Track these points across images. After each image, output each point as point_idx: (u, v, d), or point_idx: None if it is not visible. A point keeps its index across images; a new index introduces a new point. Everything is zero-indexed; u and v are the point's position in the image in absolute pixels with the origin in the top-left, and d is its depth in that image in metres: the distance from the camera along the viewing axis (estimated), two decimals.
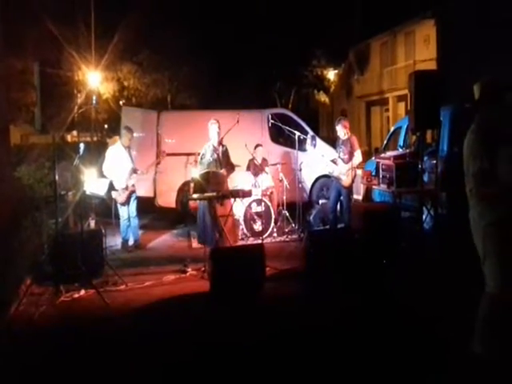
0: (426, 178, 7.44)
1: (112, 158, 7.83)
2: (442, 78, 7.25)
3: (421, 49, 22.81)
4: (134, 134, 8.52)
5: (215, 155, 7.10)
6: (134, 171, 7.88)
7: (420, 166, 6.99)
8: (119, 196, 7.70)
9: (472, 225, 3.68)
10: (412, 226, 7.36)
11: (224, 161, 7.16)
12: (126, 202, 7.78)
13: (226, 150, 7.25)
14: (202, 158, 7.10)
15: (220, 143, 7.18)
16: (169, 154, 8.47)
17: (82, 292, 5.63)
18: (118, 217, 7.92)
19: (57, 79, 18.89)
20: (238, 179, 8.61)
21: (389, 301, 5.15)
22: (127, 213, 7.81)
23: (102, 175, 7.46)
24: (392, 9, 23.04)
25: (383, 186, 7.52)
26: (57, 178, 5.77)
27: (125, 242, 7.89)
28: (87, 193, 6.43)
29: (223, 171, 7.03)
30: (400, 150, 8.67)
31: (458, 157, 7.53)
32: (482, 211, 3.56)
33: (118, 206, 7.80)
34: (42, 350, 4.21)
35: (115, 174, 7.66)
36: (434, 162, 7.38)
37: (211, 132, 7.15)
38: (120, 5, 19.70)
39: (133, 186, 7.87)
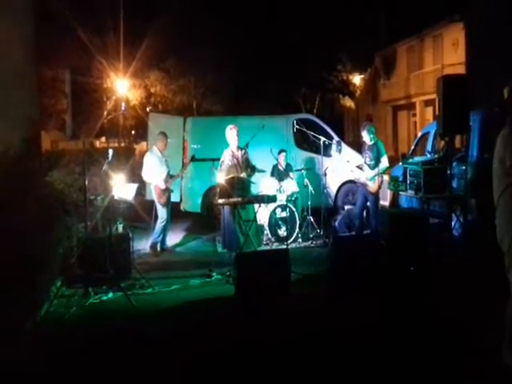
0: (454, 184, 7.33)
1: (150, 163, 7.98)
2: (471, 82, 7.15)
3: (449, 53, 22.52)
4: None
5: (235, 160, 7.15)
6: (171, 176, 8.05)
7: (449, 172, 6.90)
8: (160, 198, 7.85)
9: (499, 231, 3.59)
10: (440, 232, 7.26)
11: (244, 165, 7.21)
12: (166, 204, 7.92)
13: (245, 153, 7.30)
14: (221, 164, 7.16)
15: (238, 147, 7.24)
16: (194, 160, 8.56)
17: (110, 294, 5.72)
18: (154, 219, 8.04)
19: (87, 86, 19.31)
20: (263, 184, 8.64)
21: (417, 308, 5.08)
22: (166, 214, 7.94)
23: (131, 180, 7.59)
24: (418, 12, 22.84)
25: (411, 192, 7.43)
26: (86, 183, 5.90)
27: (155, 244, 7.95)
28: (115, 197, 6.55)
29: (243, 175, 7.08)
30: (428, 155, 8.56)
31: (488, 163, 7.44)
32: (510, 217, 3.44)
33: (158, 207, 7.92)
34: (71, 351, 4.29)
35: (155, 177, 7.86)
36: (464, 167, 7.27)
37: (229, 137, 7.23)
38: (148, 13, 20.02)
39: (169, 189, 8.04)
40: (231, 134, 7.23)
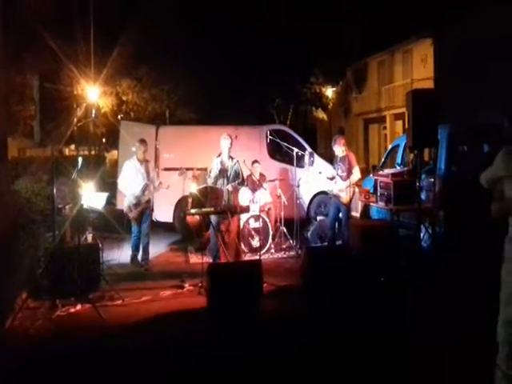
0: (423, 196, 7.47)
1: (126, 172, 7.63)
2: (439, 96, 7.31)
3: (418, 67, 23.06)
4: (132, 148, 8.09)
5: (223, 170, 7.14)
6: (153, 184, 7.64)
7: (418, 184, 7.01)
8: (130, 212, 7.49)
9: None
10: (410, 243, 7.37)
11: (233, 175, 7.18)
12: (138, 219, 7.53)
13: (236, 164, 7.27)
14: (210, 172, 7.13)
15: (230, 157, 7.22)
16: (166, 169, 8.48)
17: (79, 306, 5.58)
18: (123, 232, 7.81)
19: (56, 93, 18.96)
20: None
21: (386, 318, 5.12)
22: (137, 229, 7.57)
23: (101, 189, 7.42)
24: (389, 28, 23.35)
25: (381, 204, 7.53)
26: (54, 191, 5.76)
27: (134, 256, 7.68)
28: (85, 206, 6.42)
29: (229, 187, 7.06)
30: (398, 167, 8.71)
31: (455, 175, 7.64)
32: None
33: (131, 221, 7.58)
34: (36, 365, 4.16)
35: (129, 189, 7.53)
36: (432, 180, 7.42)
37: (222, 146, 7.20)
38: (120, 21, 19.86)
39: (147, 202, 7.61)
40: (225, 143, 7.20)
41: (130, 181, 7.56)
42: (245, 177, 8.88)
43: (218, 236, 6.91)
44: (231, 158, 7.25)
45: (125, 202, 7.63)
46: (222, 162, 7.16)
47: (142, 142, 7.73)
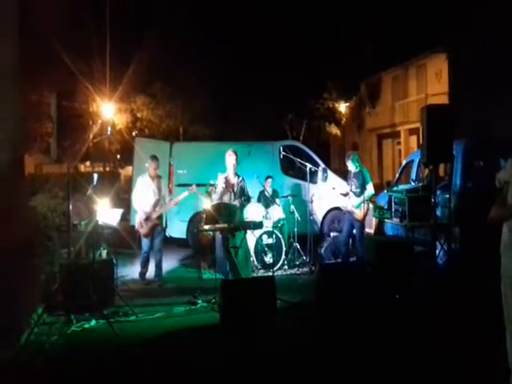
0: (438, 213, 7.40)
1: (139, 187, 7.67)
2: (454, 112, 7.29)
3: (433, 83, 23.00)
4: (146, 165, 8.10)
5: (229, 186, 7.15)
6: (164, 200, 7.65)
7: (433, 200, 6.96)
8: (141, 228, 7.51)
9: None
10: (425, 260, 7.29)
11: (238, 192, 7.19)
12: (149, 235, 7.54)
13: (242, 181, 7.28)
14: (216, 188, 7.14)
15: (236, 174, 7.23)
16: (180, 185, 8.51)
17: (93, 322, 5.60)
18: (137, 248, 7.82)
19: (72, 110, 19.26)
20: (249, 211, 8.63)
21: (400, 337, 5.05)
22: (148, 246, 7.57)
23: (116, 205, 7.47)
24: (403, 42, 23.38)
25: (396, 220, 7.48)
26: (70, 207, 5.82)
27: (142, 273, 7.68)
28: (100, 223, 6.48)
29: (236, 202, 7.06)
30: (412, 183, 8.66)
31: (471, 191, 7.57)
32: None
33: (142, 237, 7.62)
34: (51, 380, 4.18)
35: (140, 205, 7.56)
36: (447, 196, 7.35)
37: (228, 163, 7.21)
38: (134, 38, 20.17)
39: (158, 218, 7.59)
40: (230, 159, 7.22)
41: (142, 197, 7.59)
42: (257, 193, 8.94)
43: (230, 252, 6.87)
44: (237, 175, 7.25)
45: (136, 218, 7.67)
46: (227, 179, 7.17)
47: (154, 158, 7.77)
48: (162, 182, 7.80)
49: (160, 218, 7.69)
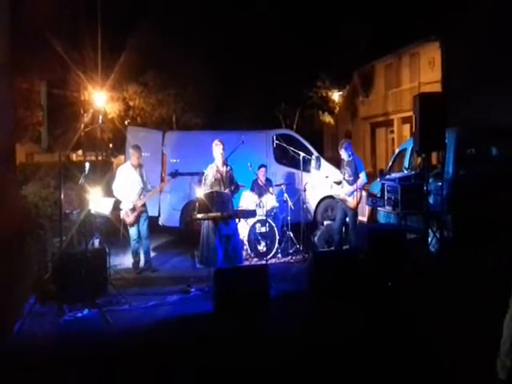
0: (431, 200, 7.43)
1: (121, 177, 7.68)
2: (447, 100, 7.28)
3: (426, 71, 23.00)
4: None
5: (218, 175, 7.11)
6: (145, 189, 7.70)
7: (425, 188, 6.98)
8: (127, 217, 7.54)
9: None
10: (417, 248, 7.32)
11: (227, 181, 7.16)
12: (135, 223, 7.60)
13: (231, 170, 7.26)
14: (205, 179, 7.11)
15: (224, 163, 7.20)
16: (172, 174, 8.47)
17: (86, 311, 5.59)
18: (126, 237, 7.82)
19: (63, 99, 19.07)
20: (243, 199, 8.61)
21: (393, 323, 5.08)
22: (136, 234, 7.63)
23: (109, 194, 7.44)
24: (396, 31, 23.33)
25: (388, 208, 7.50)
26: (62, 196, 5.78)
27: (135, 263, 7.72)
28: (92, 212, 6.44)
29: (226, 191, 7.03)
30: (405, 171, 8.67)
31: (463, 179, 7.60)
32: None
33: (128, 226, 7.65)
34: (44, 369, 4.17)
35: (124, 194, 7.56)
36: (440, 184, 7.38)
37: (215, 153, 7.18)
38: (126, 26, 19.98)
39: (143, 206, 7.66)
40: (217, 149, 7.18)
41: (125, 186, 7.59)
42: (250, 182, 8.91)
43: (221, 241, 6.83)
44: (225, 164, 7.22)
45: (121, 207, 7.64)
46: (216, 169, 7.14)
47: (136, 147, 7.83)
48: (143, 171, 7.83)
49: (144, 205, 7.72)
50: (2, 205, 4.97)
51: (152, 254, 8.12)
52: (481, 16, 16.84)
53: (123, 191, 7.57)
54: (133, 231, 7.65)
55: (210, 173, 7.12)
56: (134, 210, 7.56)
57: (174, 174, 7.63)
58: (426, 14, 20.28)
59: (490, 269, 5.73)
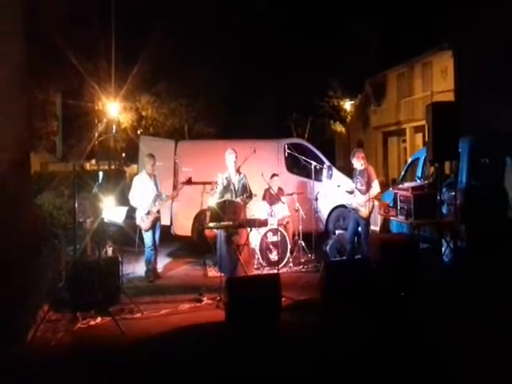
0: (444, 210, 7.38)
1: (137, 186, 7.82)
2: (460, 109, 7.25)
3: (438, 80, 22.90)
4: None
5: (231, 184, 7.14)
6: (160, 196, 7.84)
7: (438, 198, 6.94)
8: (143, 222, 7.66)
9: None
10: (431, 258, 7.26)
11: (240, 190, 7.18)
12: (151, 228, 7.70)
13: (243, 178, 7.27)
14: (217, 187, 7.15)
15: (238, 172, 7.23)
16: (185, 183, 8.53)
17: (99, 319, 5.63)
18: (141, 246, 7.87)
19: (77, 109, 19.32)
20: (254, 208, 8.63)
21: (407, 333, 5.04)
22: (152, 240, 7.71)
23: (122, 203, 7.51)
24: (409, 40, 23.29)
25: (401, 218, 7.45)
26: (76, 205, 5.85)
27: (148, 270, 7.76)
28: (105, 220, 6.50)
29: (238, 200, 7.05)
30: (418, 181, 8.63)
31: (477, 188, 7.54)
32: None
33: (143, 232, 7.74)
34: (57, 376, 4.20)
35: (140, 201, 7.68)
36: (453, 193, 7.33)
37: (228, 161, 7.21)
38: (139, 37, 20.21)
39: (157, 212, 7.80)
40: (230, 158, 7.22)
41: (141, 194, 7.74)
42: (261, 191, 8.93)
43: (235, 250, 6.86)
44: (238, 172, 7.25)
45: (137, 214, 7.75)
46: (228, 178, 7.17)
47: (151, 156, 8.02)
48: (157, 179, 8.03)
49: (159, 212, 7.87)
50: (17, 214, 5.03)
51: (164, 262, 8.17)
52: (494, 25, 16.76)
53: (140, 200, 7.70)
54: (148, 238, 7.72)
55: (223, 181, 7.15)
56: (148, 214, 7.67)
57: (187, 182, 7.69)
58: (439, 23, 20.24)
59: (503, 279, 5.68)
